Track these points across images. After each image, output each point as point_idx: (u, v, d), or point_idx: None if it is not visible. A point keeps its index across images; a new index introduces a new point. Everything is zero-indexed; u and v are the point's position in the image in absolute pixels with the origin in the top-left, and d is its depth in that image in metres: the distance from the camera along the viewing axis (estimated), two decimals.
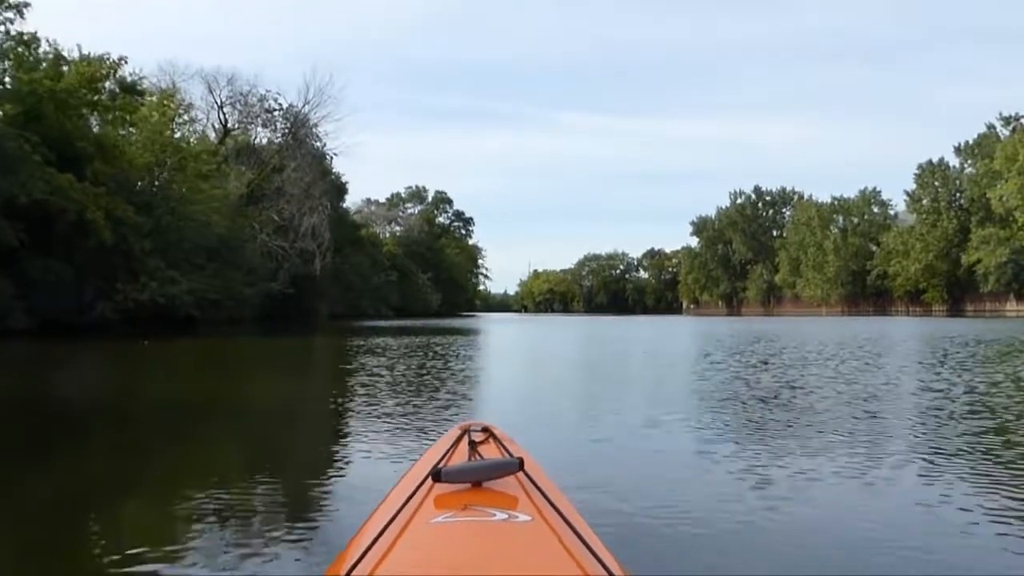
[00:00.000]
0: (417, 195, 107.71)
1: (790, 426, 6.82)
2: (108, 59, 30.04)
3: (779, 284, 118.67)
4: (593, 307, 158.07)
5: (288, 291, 39.37)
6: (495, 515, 1.84)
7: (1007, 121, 79.43)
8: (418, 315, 70.22)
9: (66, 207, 23.08)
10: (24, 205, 22.36)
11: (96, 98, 28.31)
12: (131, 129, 32.02)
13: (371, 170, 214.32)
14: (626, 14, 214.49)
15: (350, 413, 8.05)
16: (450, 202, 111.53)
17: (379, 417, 7.32)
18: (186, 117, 39.66)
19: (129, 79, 35.88)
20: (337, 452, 6.04)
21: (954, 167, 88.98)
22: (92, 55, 29.56)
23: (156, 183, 30.41)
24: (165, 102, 36.08)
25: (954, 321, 47.47)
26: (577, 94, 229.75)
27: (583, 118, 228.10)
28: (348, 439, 6.55)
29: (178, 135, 36.46)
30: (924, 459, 5.24)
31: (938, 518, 3.83)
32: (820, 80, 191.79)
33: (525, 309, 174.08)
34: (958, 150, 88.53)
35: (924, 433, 6.35)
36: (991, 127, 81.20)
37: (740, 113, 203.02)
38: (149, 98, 35.33)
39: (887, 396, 8.76)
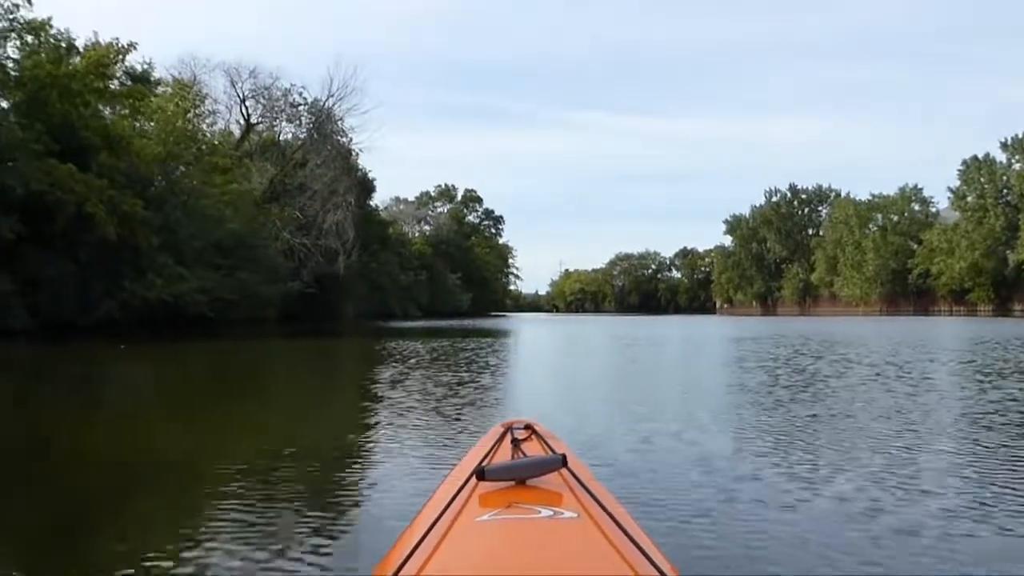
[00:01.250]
0: (446, 193, 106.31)
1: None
2: (116, 44, 28.58)
3: (815, 283, 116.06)
4: (625, 307, 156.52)
5: (308, 290, 37.79)
6: (540, 512, 1.83)
7: None
8: (448, 315, 69.09)
9: (65, 199, 21.61)
10: (21, 197, 20.97)
11: (103, 85, 26.74)
12: (148, 123, 30.60)
13: (400, 170, 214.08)
14: (656, 12, 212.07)
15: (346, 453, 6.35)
16: (480, 200, 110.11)
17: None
18: (204, 109, 38.14)
19: (140, 69, 34.85)
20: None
21: (1000, 163, 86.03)
22: (101, 42, 28.16)
23: (170, 176, 28.77)
24: (180, 92, 34.69)
25: (1017, 322, 44.88)
26: (609, 93, 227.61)
27: (615, 117, 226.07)
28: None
29: (198, 129, 34.90)
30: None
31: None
32: (856, 77, 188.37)
33: (556, 309, 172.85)
34: (1005, 145, 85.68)
35: None
36: None
37: (773, 111, 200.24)
38: (164, 89, 34.00)
39: None
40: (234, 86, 44.67)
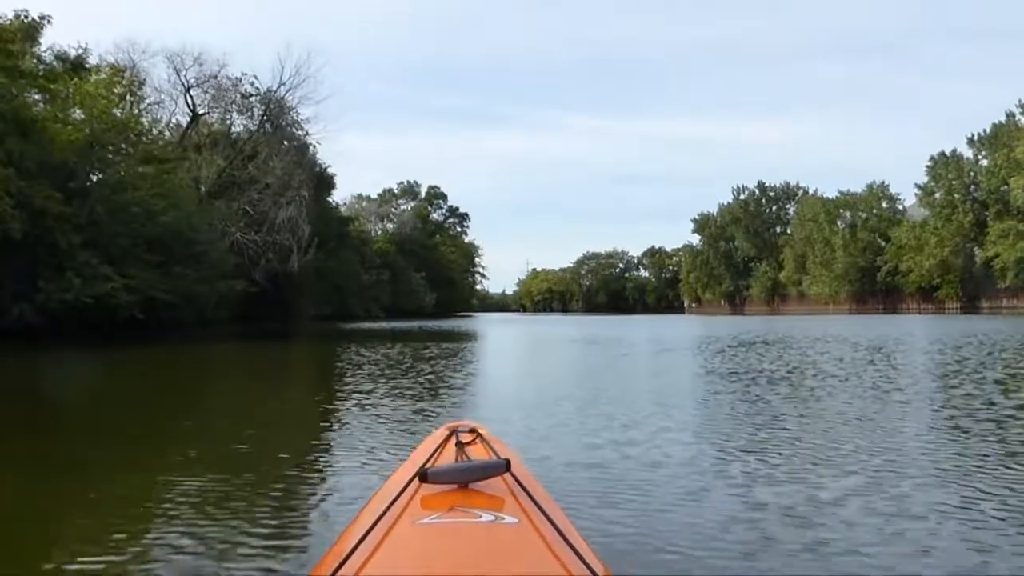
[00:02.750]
0: (410, 191, 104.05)
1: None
2: (25, 17, 25.81)
3: (784, 282, 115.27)
4: (593, 306, 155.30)
5: (252, 289, 35.27)
6: (481, 516, 1.83)
7: None
8: (411, 315, 67.14)
9: None
10: None
11: (11, 63, 23.83)
12: (76, 110, 28.00)
13: (366, 170, 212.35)
14: (626, 13, 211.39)
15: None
16: (444, 197, 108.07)
17: None
18: (142, 95, 35.31)
19: (74, 54, 32.47)
20: None
21: (968, 159, 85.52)
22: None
23: (96, 167, 26.02)
24: (113, 78, 32.10)
25: (989, 319, 43.76)
26: (575, 94, 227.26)
27: (582, 118, 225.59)
28: None
29: (131, 116, 32.14)
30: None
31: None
32: (820, 78, 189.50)
33: (523, 309, 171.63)
34: (971, 141, 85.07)
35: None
36: (1010, 115, 77.41)
37: (740, 112, 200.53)
38: (95, 75, 31.44)
39: None
40: (178, 74, 41.93)
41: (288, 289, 43.41)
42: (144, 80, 36.76)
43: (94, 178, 26.86)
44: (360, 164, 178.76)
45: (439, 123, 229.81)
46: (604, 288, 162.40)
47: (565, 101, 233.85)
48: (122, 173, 26.10)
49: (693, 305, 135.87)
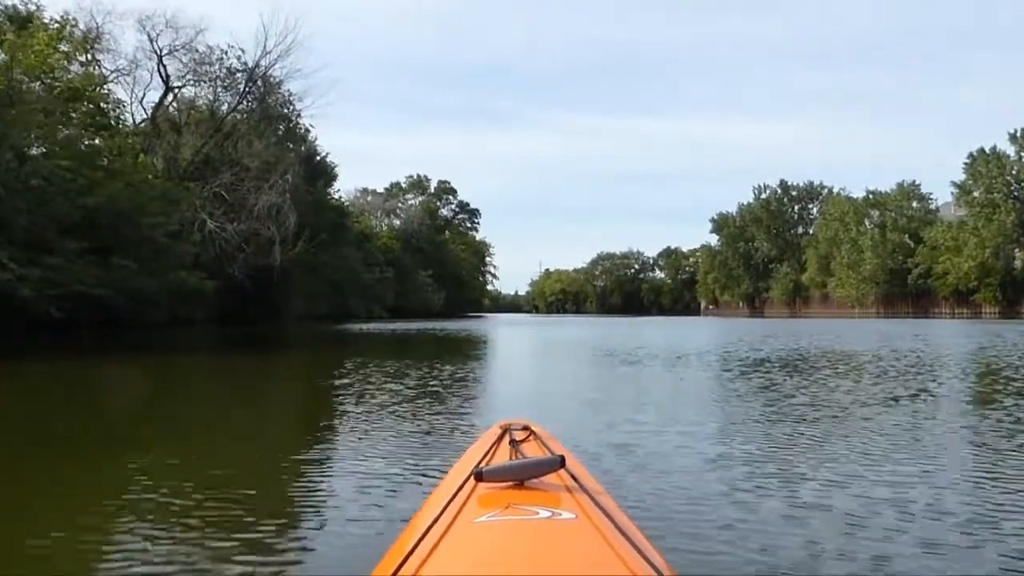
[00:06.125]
0: (418, 184, 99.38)
1: None
2: None
3: (806, 283, 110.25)
4: (607, 307, 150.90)
5: (209, 282, 30.47)
6: (538, 513, 1.83)
7: None
8: (418, 316, 62.71)
9: None
10: None
11: None
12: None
13: (376, 170, 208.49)
14: (642, 12, 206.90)
15: None
16: (454, 192, 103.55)
17: None
18: (94, 55, 30.57)
19: (24, 10, 28.27)
20: None
21: (1009, 156, 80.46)
22: None
23: (11, 130, 21.06)
24: (60, 33, 27.60)
25: None
26: (590, 92, 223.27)
27: (597, 116, 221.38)
28: None
29: (64, 72, 27.27)
30: None
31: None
32: (844, 78, 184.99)
33: (536, 310, 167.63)
34: (1013, 137, 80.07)
35: None
36: None
37: (762, 112, 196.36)
38: (41, 32, 27.00)
39: None
40: (151, 40, 37.07)
41: (274, 286, 38.87)
42: (100, 37, 31.90)
43: (36, 149, 22.42)
44: (368, 163, 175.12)
45: (450, 122, 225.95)
46: (619, 289, 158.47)
47: (580, 99, 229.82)
48: (31, 136, 21.14)
49: (710, 307, 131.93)
